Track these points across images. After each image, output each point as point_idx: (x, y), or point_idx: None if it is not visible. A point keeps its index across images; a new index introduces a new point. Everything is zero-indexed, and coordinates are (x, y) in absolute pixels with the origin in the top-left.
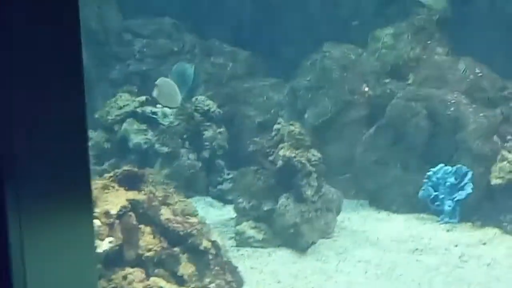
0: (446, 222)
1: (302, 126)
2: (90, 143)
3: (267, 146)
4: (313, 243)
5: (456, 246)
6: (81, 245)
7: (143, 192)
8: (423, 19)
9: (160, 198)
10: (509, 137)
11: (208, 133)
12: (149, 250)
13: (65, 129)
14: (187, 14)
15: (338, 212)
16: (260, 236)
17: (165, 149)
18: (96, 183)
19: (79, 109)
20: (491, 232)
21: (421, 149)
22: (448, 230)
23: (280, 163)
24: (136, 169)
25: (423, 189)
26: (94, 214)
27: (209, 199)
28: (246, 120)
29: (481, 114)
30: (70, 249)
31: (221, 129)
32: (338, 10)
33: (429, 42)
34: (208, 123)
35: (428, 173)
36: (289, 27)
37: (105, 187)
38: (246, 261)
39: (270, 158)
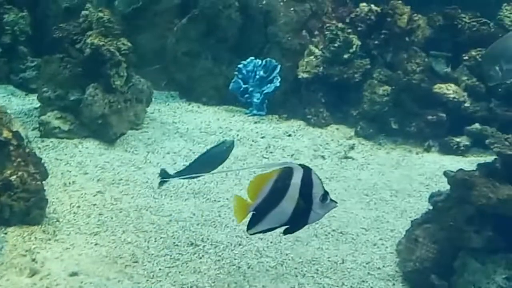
0: (254, 115)
1: (112, 14)
2: None
3: (74, 33)
4: (122, 134)
5: (263, 137)
6: None
7: None
8: None
9: None
10: (316, 32)
11: (9, 17)
12: None
13: None
14: None
15: (148, 103)
16: (66, 127)
17: None
18: None
19: None
20: (296, 124)
21: (232, 41)
22: (256, 122)
23: (88, 51)
24: None
25: (233, 82)
26: None
27: (10, 87)
28: (52, 5)
29: (291, 9)
30: None
31: (24, 13)
32: None
33: None
34: (9, 6)
35: (239, 66)
36: None
37: None
38: (51, 153)
39: (77, 45)
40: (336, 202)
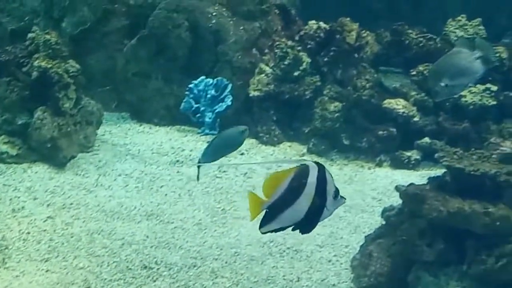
0: (206, 134)
1: (59, 36)
2: None
3: (21, 56)
4: (72, 157)
5: None
6: None
7: None
8: None
9: None
10: (266, 50)
11: None
12: None
13: None
14: None
15: (98, 125)
16: (14, 151)
17: None
18: None
19: None
20: (248, 142)
21: (182, 61)
22: (208, 142)
23: (35, 74)
24: None
25: (185, 101)
26: None
27: None
28: None
29: (241, 27)
30: None
31: None
32: None
33: None
34: None
35: (190, 86)
36: None
37: None
38: None
39: (24, 69)
40: (344, 198)
